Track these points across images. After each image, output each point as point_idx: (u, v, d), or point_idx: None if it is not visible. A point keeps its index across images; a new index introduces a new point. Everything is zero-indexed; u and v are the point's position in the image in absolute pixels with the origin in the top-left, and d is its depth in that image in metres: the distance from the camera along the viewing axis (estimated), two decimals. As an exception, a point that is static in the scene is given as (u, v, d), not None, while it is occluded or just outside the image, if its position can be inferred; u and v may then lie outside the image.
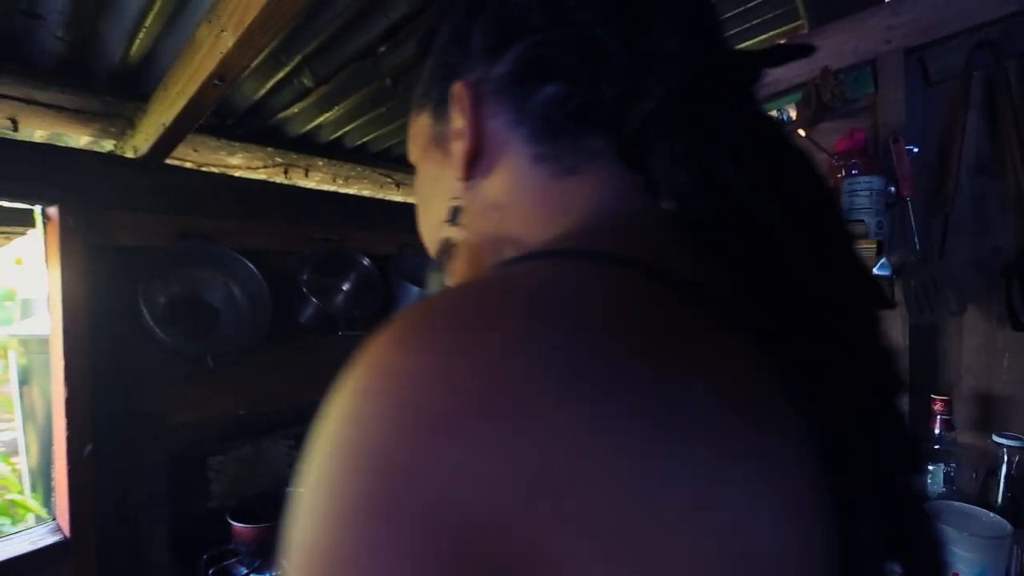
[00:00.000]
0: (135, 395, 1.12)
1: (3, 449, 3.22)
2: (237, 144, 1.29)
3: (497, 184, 0.33)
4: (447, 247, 0.37)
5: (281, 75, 1.08)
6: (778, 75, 1.17)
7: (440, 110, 0.37)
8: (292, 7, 0.68)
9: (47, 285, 1.01)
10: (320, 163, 1.47)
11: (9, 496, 1.98)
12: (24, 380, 3.05)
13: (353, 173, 1.59)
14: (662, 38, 0.29)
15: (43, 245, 1.01)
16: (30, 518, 2.15)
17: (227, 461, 1.16)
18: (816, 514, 0.21)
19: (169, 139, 1.00)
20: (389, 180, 1.71)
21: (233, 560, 1.03)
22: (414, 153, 0.41)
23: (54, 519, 1.04)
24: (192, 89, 0.86)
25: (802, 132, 1.16)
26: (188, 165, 1.31)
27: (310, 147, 1.41)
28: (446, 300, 0.22)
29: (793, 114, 1.18)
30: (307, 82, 1.12)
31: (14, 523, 1.99)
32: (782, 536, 0.19)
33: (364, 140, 1.44)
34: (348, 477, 0.18)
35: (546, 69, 0.31)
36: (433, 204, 0.38)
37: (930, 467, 0.92)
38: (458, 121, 0.34)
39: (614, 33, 0.30)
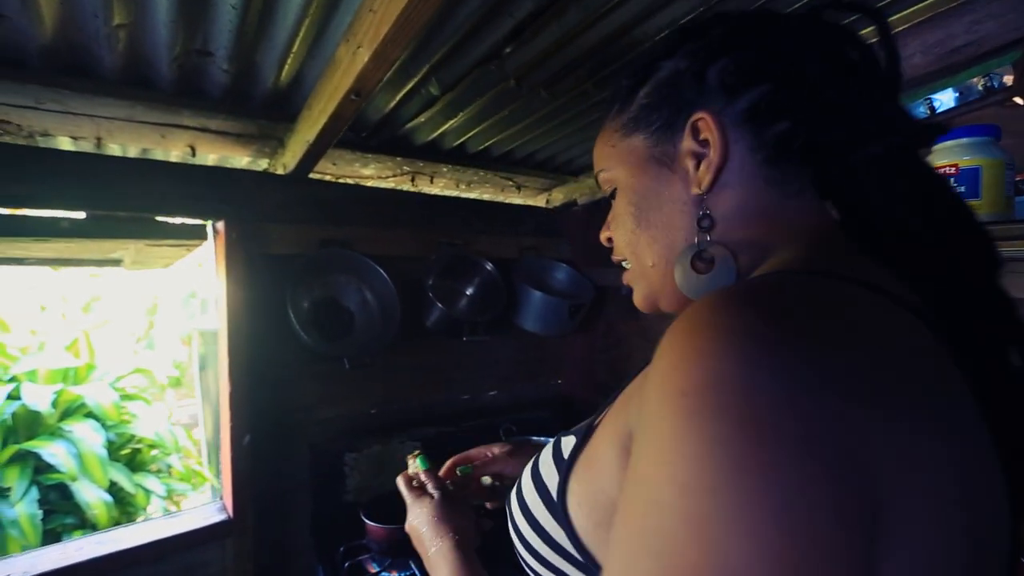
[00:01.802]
0: (282, 392, 1.22)
1: (188, 422, 3.84)
2: (370, 156, 1.36)
3: (729, 198, 0.42)
4: (690, 250, 0.43)
5: (410, 86, 1.10)
6: (984, 32, 0.94)
7: (664, 133, 0.45)
8: (421, 18, 0.67)
9: (217, 290, 1.14)
10: (444, 169, 1.50)
11: (189, 462, 2.34)
12: (203, 366, 3.58)
13: (475, 178, 1.60)
14: (878, 102, 0.40)
15: (213, 255, 1.14)
16: (206, 486, 2.52)
17: (360, 458, 1.23)
18: (990, 462, 0.30)
19: (312, 154, 1.07)
20: (510, 183, 1.70)
21: (366, 556, 1.07)
22: (617, 170, 0.48)
23: (221, 499, 1.17)
24: (332, 106, 0.90)
25: (1021, 100, 0.92)
26: (328, 178, 1.41)
27: (435, 154, 1.44)
28: (770, 298, 0.31)
29: (1008, 79, 0.94)
30: (433, 91, 1.14)
31: (194, 488, 2.34)
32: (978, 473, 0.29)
33: (487, 144, 1.44)
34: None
35: (779, 110, 0.40)
36: (655, 214, 0.46)
37: None
38: (690, 144, 0.42)
39: (839, 91, 0.40)
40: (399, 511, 1.15)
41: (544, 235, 1.73)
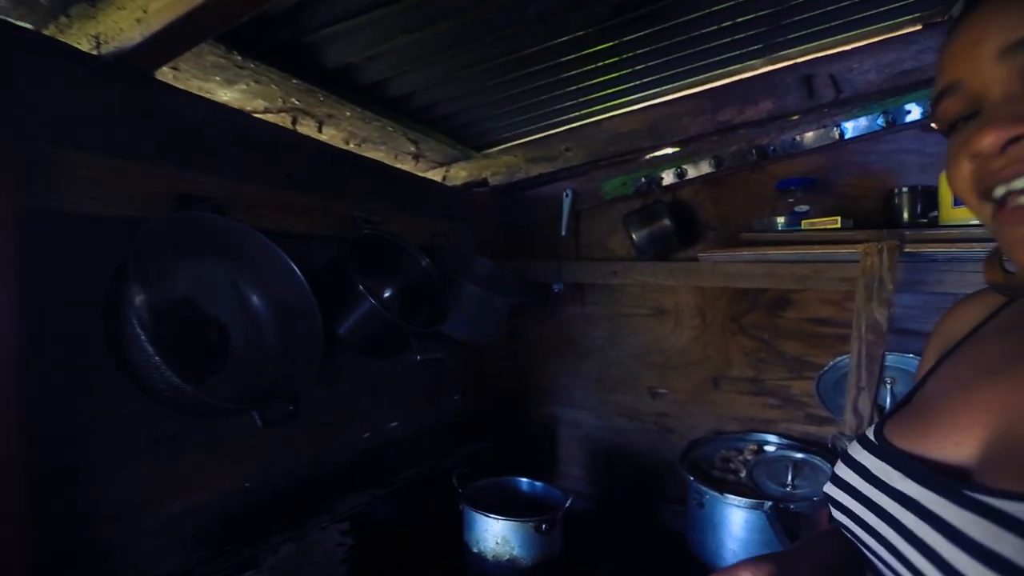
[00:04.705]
0: (95, 484, 0.62)
1: None
2: (249, 67, 0.82)
3: None
4: None
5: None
6: (927, 61, 1.07)
7: None
8: None
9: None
10: (347, 112, 1.03)
11: None
12: None
13: (376, 133, 1.17)
14: None
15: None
16: None
17: (262, 574, 0.71)
18: None
19: (222, 15, 0.55)
20: (411, 149, 1.30)
21: None
22: None
23: None
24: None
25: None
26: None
27: (342, 87, 0.97)
28: None
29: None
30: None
31: None
32: None
33: (416, 89, 1.04)
34: None
35: None
36: None
37: None
38: None
39: None
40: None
41: (447, 219, 1.39)
